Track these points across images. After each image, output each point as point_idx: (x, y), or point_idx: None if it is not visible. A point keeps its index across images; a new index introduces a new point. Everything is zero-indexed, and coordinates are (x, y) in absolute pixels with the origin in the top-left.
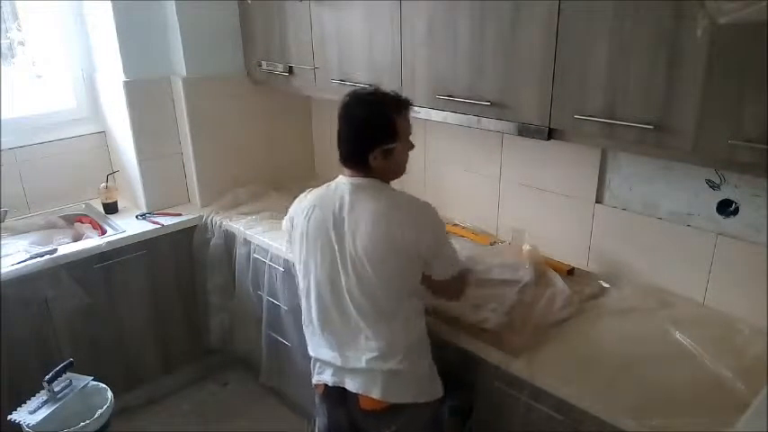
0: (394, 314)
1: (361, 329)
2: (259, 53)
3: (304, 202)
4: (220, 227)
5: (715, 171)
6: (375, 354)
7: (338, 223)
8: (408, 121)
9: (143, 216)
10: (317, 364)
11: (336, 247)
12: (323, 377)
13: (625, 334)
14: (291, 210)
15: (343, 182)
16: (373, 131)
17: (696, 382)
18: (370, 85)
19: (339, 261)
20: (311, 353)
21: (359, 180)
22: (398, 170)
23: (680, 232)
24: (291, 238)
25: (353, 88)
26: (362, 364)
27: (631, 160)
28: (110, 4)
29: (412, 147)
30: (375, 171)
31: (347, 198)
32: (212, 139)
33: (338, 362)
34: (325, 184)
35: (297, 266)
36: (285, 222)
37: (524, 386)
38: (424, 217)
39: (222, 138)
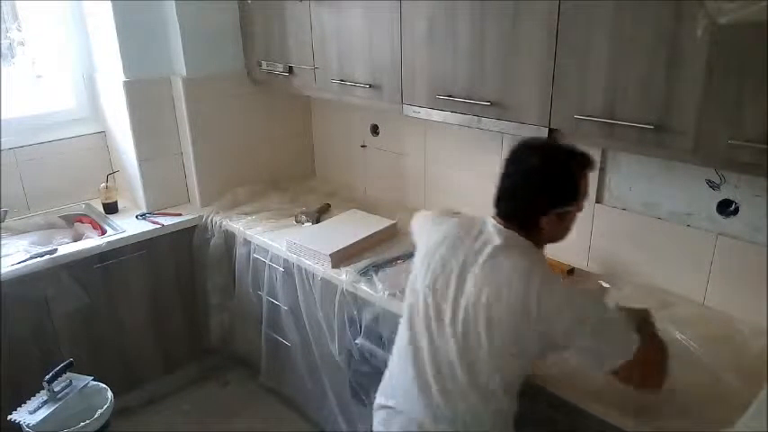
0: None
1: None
2: (259, 53)
3: (443, 228)
4: (220, 227)
5: (715, 171)
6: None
7: (465, 268)
8: (588, 180)
9: (143, 216)
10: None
11: (452, 293)
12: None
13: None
14: (427, 224)
15: (492, 230)
16: (555, 191)
17: (696, 382)
18: (368, 83)
19: (445, 306)
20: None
21: (509, 232)
22: (564, 235)
23: (680, 232)
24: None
25: (527, 137)
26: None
27: (631, 160)
28: (110, 4)
29: (581, 209)
30: (540, 233)
31: (488, 250)
32: (212, 139)
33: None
34: (470, 219)
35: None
36: (414, 225)
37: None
38: (569, 304)
39: (222, 138)
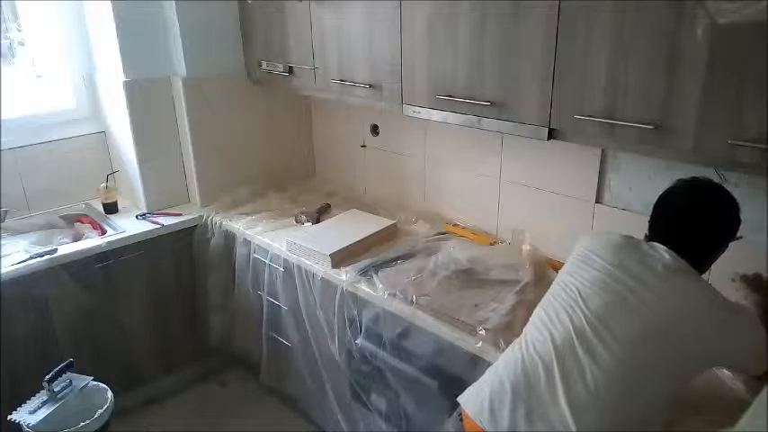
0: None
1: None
2: (259, 53)
3: (612, 238)
4: (220, 227)
5: (715, 171)
6: None
7: (640, 281)
8: None
9: (143, 216)
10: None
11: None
12: None
13: None
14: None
15: (661, 250)
16: (727, 238)
17: (696, 383)
18: (368, 83)
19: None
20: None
21: (683, 262)
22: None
23: None
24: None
25: (693, 177)
26: None
27: (631, 160)
28: (110, 4)
29: None
30: (705, 267)
31: (665, 268)
32: (212, 139)
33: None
34: (634, 240)
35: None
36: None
37: None
38: (746, 334)
39: (222, 138)
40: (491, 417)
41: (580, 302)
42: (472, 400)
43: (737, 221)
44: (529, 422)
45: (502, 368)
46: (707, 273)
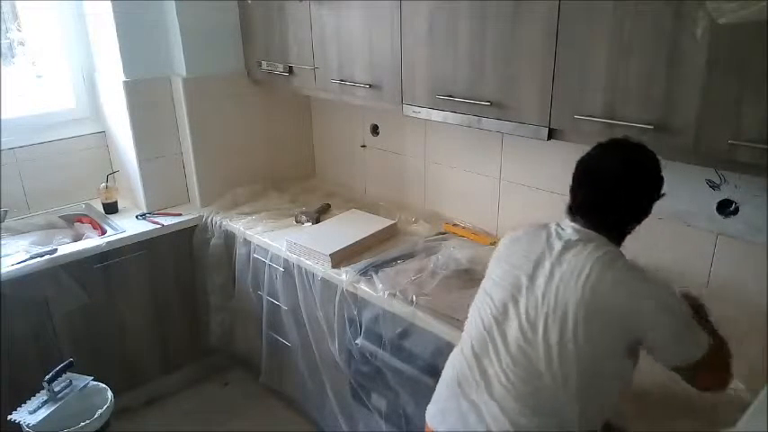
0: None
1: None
2: (259, 53)
3: (513, 233)
4: (220, 227)
5: (715, 171)
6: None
7: (539, 265)
8: None
9: (143, 216)
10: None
11: (524, 292)
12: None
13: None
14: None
15: (568, 228)
16: (651, 198)
17: None
18: (368, 83)
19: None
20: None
21: (587, 231)
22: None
23: (680, 232)
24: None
25: (603, 141)
26: None
27: None
28: (110, 4)
29: None
30: (624, 233)
31: (562, 244)
32: (212, 139)
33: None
34: (543, 225)
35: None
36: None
37: None
38: (654, 296)
39: (222, 138)
40: (442, 419)
41: (488, 300)
42: (430, 410)
43: (659, 179)
44: (463, 420)
45: (445, 373)
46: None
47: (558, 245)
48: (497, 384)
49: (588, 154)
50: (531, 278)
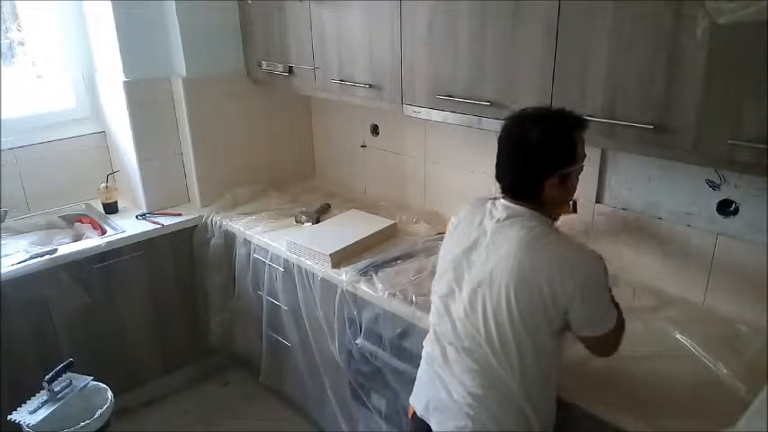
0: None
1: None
2: (259, 53)
3: (455, 221)
4: (220, 227)
5: (715, 171)
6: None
7: (474, 244)
8: (584, 140)
9: (143, 216)
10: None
11: (464, 272)
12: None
13: (625, 334)
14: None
15: (499, 207)
16: (553, 155)
17: (696, 382)
18: (368, 83)
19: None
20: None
21: (517, 207)
22: (568, 197)
23: (680, 232)
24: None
25: (517, 109)
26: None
27: (631, 160)
28: (110, 3)
29: (582, 169)
30: (545, 200)
31: (492, 225)
32: (212, 139)
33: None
34: (479, 201)
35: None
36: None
37: None
38: (582, 269)
39: (222, 138)
40: (418, 394)
41: (440, 283)
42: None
43: (561, 150)
44: (434, 389)
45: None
46: None
47: (489, 226)
48: (454, 363)
49: (507, 120)
50: (469, 261)
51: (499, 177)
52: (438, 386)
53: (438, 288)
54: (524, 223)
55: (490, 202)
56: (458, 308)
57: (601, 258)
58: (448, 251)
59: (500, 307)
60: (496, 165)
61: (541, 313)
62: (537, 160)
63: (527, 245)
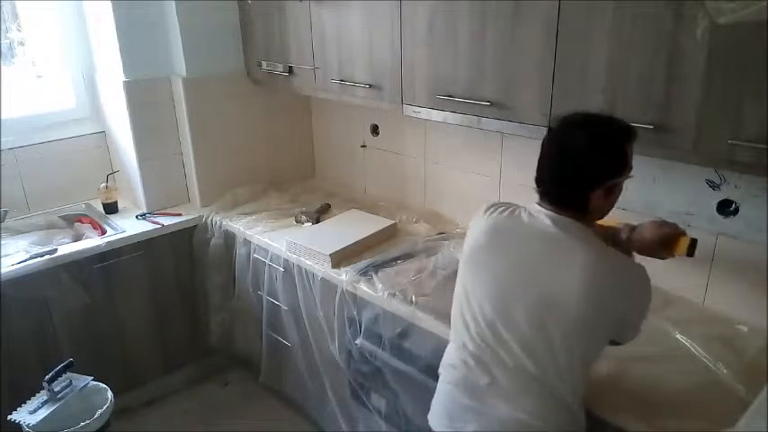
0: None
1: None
2: (259, 53)
3: (482, 223)
4: (220, 227)
5: (715, 171)
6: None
7: (527, 259)
8: (632, 149)
9: (143, 216)
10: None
11: (521, 289)
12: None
13: None
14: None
15: (543, 218)
16: (605, 165)
17: (696, 383)
18: (368, 83)
19: (511, 300)
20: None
21: (563, 220)
22: (610, 208)
23: None
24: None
25: (564, 114)
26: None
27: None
28: (110, 3)
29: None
30: (589, 210)
31: (546, 240)
32: (212, 139)
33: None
34: (509, 209)
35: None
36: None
37: None
38: (640, 288)
39: (222, 138)
40: (449, 423)
41: (477, 299)
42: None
43: (612, 161)
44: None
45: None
46: None
47: (538, 242)
48: (501, 380)
49: (554, 126)
50: (523, 276)
51: (541, 184)
52: (472, 413)
53: (474, 304)
54: (584, 241)
55: (525, 211)
56: (512, 329)
57: (646, 271)
58: (484, 263)
59: (566, 328)
60: (538, 170)
61: (604, 332)
62: (587, 170)
63: (596, 267)
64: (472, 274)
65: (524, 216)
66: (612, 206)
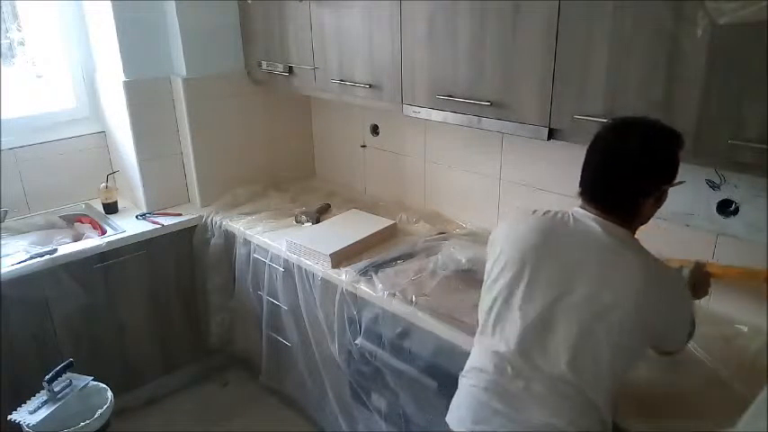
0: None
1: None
2: (259, 53)
3: (530, 222)
4: (220, 227)
5: (715, 171)
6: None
7: (579, 264)
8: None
9: (143, 216)
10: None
11: (573, 295)
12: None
13: None
14: (504, 229)
15: (588, 221)
16: (659, 173)
17: (696, 382)
18: (368, 83)
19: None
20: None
21: (612, 227)
22: (652, 215)
23: (680, 232)
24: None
25: (616, 117)
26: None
27: None
28: (110, 4)
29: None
30: (637, 217)
31: (599, 246)
32: (212, 139)
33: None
34: (552, 212)
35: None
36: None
37: None
38: (684, 297)
39: (222, 138)
40: (472, 425)
41: (522, 303)
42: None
43: (664, 168)
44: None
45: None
46: None
47: (590, 248)
48: (537, 386)
49: (604, 131)
50: (576, 281)
51: (589, 189)
52: (504, 417)
53: (516, 307)
54: (636, 248)
55: (564, 214)
56: (558, 334)
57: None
58: (528, 269)
59: (615, 335)
60: (584, 173)
61: (649, 340)
62: (644, 177)
63: (650, 275)
64: (518, 273)
65: (570, 220)
66: (653, 214)
